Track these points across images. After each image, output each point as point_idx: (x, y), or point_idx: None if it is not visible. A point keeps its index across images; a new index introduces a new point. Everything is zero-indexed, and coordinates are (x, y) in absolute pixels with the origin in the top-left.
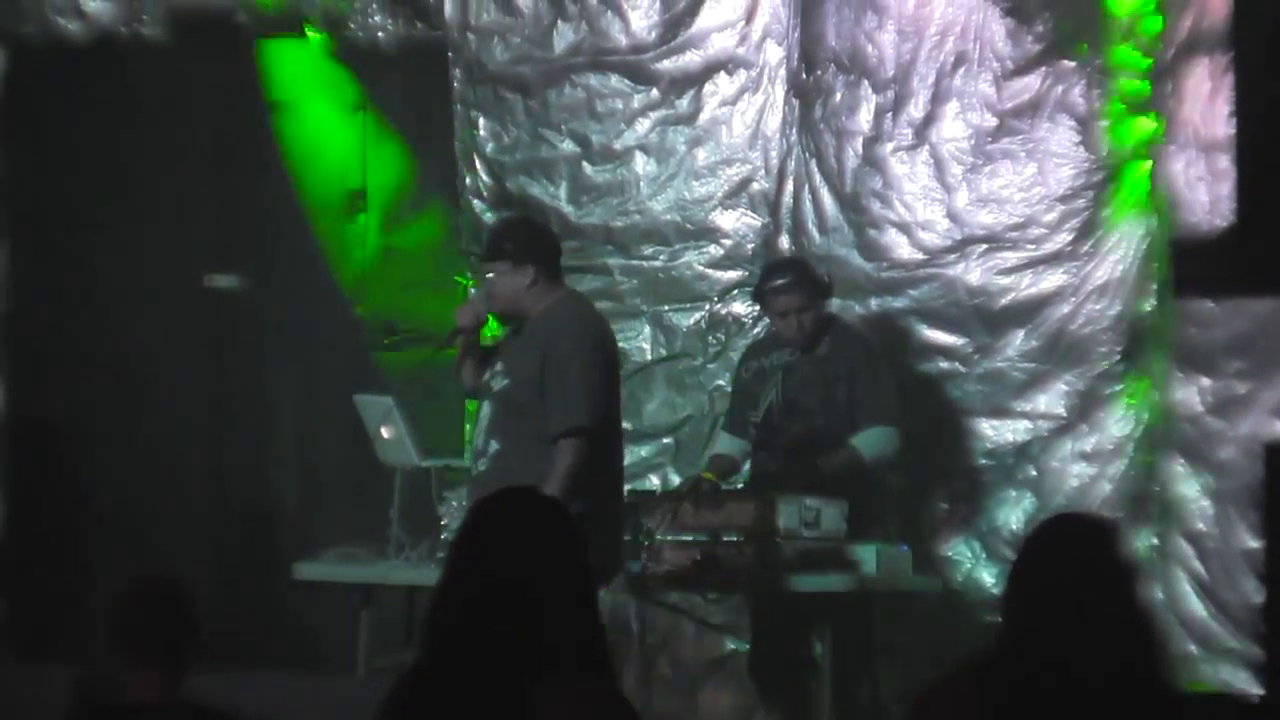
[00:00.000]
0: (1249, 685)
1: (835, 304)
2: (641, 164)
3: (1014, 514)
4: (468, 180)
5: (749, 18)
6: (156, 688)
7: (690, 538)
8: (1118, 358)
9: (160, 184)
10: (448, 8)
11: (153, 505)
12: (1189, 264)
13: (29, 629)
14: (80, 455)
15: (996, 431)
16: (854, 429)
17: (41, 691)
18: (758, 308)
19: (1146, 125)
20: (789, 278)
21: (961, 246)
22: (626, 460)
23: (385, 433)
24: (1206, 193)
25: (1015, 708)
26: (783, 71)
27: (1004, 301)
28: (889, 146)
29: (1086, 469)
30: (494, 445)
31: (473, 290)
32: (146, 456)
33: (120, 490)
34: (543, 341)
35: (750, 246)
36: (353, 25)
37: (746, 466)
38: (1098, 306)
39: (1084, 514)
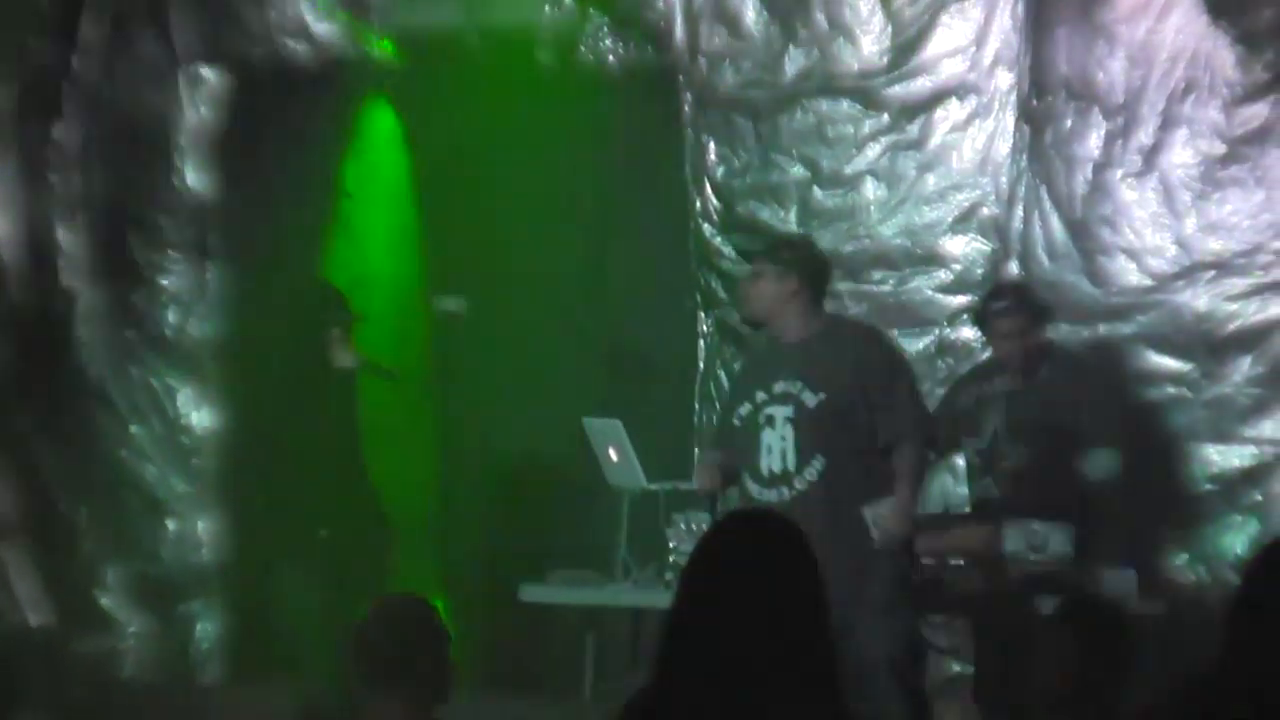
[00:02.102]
0: None
1: (1063, 329)
2: (871, 189)
3: (1239, 539)
4: (697, 204)
5: (980, 44)
6: (399, 716)
7: None
8: None
9: (383, 206)
10: (678, 32)
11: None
12: None
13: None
14: (295, 475)
15: (1223, 457)
16: (1077, 454)
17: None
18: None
19: None
20: (1009, 301)
21: (1189, 273)
22: None
23: (613, 455)
24: None
25: None
26: (1013, 97)
27: (1231, 328)
28: (1118, 173)
29: None
30: (818, 462)
31: (697, 455)
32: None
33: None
34: (852, 356)
35: (979, 272)
36: (583, 48)
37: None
38: None
39: None
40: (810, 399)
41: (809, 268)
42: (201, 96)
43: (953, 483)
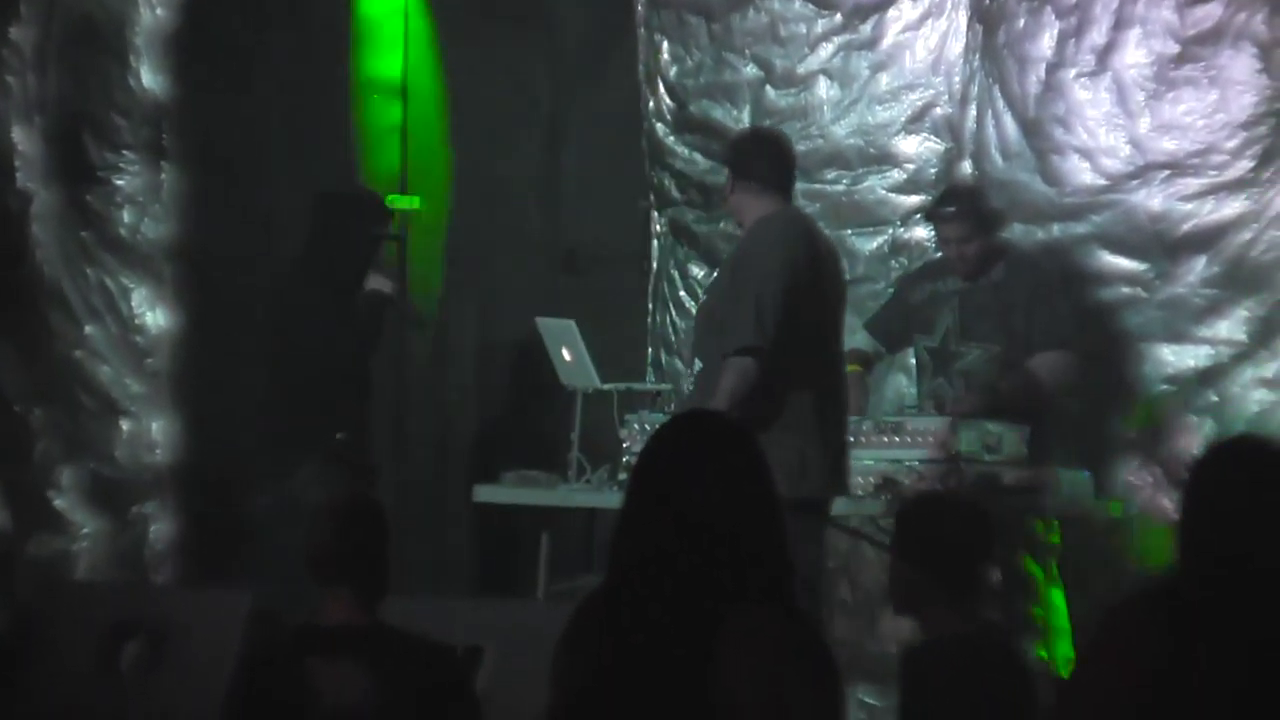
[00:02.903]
0: None
1: (1017, 229)
2: (824, 89)
3: (1194, 440)
4: (650, 104)
5: None
6: (347, 608)
7: (871, 461)
8: None
9: (340, 107)
10: None
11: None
12: None
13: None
14: (250, 376)
15: (1177, 357)
16: (1030, 354)
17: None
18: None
19: None
20: (955, 207)
21: (1143, 173)
22: None
23: (566, 355)
24: None
25: (1197, 629)
26: None
27: (1185, 228)
28: (1071, 72)
29: (1267, 395)
30: (698, 364)
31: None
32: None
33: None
34: (734, 256)
35: (933, 171)
36: None
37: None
38: (1279, 233)
39: (1258, 436)
40: (702, 300)
41: (746, 167)
42: None
43: (906, 382)
